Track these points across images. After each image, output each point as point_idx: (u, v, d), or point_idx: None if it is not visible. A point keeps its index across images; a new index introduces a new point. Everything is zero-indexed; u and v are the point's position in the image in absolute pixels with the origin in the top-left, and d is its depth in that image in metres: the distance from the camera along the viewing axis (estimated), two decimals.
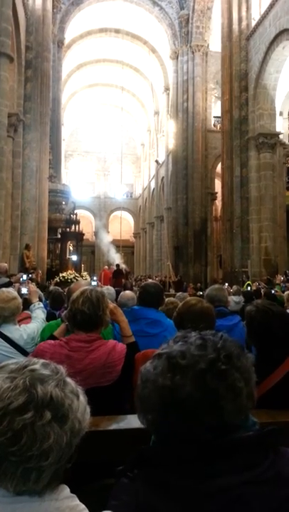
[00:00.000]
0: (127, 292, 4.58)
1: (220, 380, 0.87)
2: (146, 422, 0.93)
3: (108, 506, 0.88)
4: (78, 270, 17.00)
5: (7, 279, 6.31)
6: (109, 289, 5.10)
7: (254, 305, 2.21)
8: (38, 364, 0.89)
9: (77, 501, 0.88)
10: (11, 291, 3.20)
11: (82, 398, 0.91)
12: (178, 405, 0.85)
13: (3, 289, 3.24)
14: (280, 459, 0.87)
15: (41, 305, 3.70)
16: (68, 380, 0.91)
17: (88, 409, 0.92)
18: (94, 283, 3.96)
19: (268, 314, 2.09)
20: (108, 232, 29.66)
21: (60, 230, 18.11)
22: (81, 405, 0.89)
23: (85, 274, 17.05)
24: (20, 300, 3.12)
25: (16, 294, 3.15)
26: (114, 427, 1.80)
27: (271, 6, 14.47)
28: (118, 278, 17.11)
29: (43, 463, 0.80)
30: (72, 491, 0.89)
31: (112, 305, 2.47)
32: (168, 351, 0.92)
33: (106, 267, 21.58)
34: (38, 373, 0.86)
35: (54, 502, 0.84)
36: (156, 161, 27.24)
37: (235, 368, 0.89)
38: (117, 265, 19.85)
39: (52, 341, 2.24)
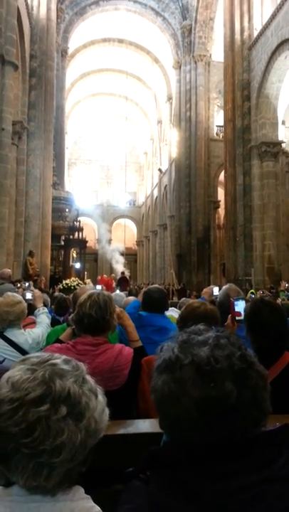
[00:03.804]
0: (130, 298, 4.58)
1: (256, 372, 0.86)
2: (173, 436, 0.87)
3: (121, 511, 0.85)
4: (81, 277, 17.01)
5: (11, 285, 6.29)
6: (118, 294, 5.10)
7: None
8: (59, 359, 0.90)
9: (92, 503, 0.87)
10: (16, 295, 3.20)
11: (101, 398, 0.90)
12: (227, 412, 0.80)
13: (8, 293, 3.24)
14: None
15: (46, 310, 3.69)
16: (88, 377, 0.90)
17: (107, 411, 0.90)
18: (98, 287, 3.95)
19: (258, 302, 2.28)
20: (111, 239, 29.69)
21: (63, 237, 18.16)
22: (99, 405, 0.88)
23: (88, 281, 17.06)
24: (25, 304, 3.12)
25: (21, 298, 3.14)
26: (122, 431, 1.77)
27: (273, 17, 14.59)
28: (122, 285, 17.18)
29: (55, 459, 0.79)
30: None
31: (118, 309, 2.45)
32: (190, 360, 0.84)
33: (112, 275, 21.69)
34: (58, 368, 0.86)
35: (69, 503, 0.83)
36: (159, 170, 27.28)
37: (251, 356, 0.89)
38: (122, 273, 19.97)
39: (59, 345, 2.23)
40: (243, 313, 2.56)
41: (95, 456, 0.90)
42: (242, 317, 2.55)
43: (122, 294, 5.48)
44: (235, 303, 2.66)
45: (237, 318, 2.58)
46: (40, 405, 0.80)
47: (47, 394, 0.81)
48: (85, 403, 0.85)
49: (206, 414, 0.80)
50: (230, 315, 2.63)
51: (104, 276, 21.13)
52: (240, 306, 2.61)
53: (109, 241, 28.35)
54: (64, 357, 0.91)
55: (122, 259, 24.83)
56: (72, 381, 0.85)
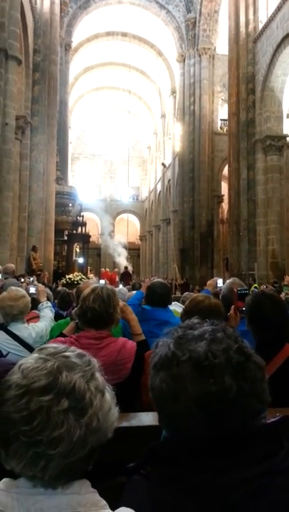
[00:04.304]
0: (133, 292, 4.59)
1: (254, 364, 0.85)
2: (175, 432, 0.86)
3: (123, 505, 0.85)
4: (84, 272, 17.04)
5: (15, 280, 6.31)
6: (122, 292, 5.11)
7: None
8: (72, 352, 0.90)
9: (99, 497, 0.87)
10: (20, 289, 3.21)
11: (108, 397, 0.89)
12: (228, 406, 0.80)
13: (12, 287, 3.25)
14: None
15: (49, 304, 3.71)
16: (97, 375, 0.90)
17: (114, 411, 0.90)
18: (102, 281, 3.96)
19: (259, 295, 2.29)
20: (114, 234, 29.73)
21: (66, 232, 18.16)
22: (105, 404, 0.87)
23: (91, 276, 17.09)
24: (28, 298, 3.13)
25: (24, 292, 3.16)
26: (125, 424, 1.77)
27: (278, 9, 14.45)
28: (126, 280, 17.23)
29: (51, 451, 0.79)
30: None
31: (121, 303, 2.46)
32: (188, 356, 0.83)
33: (116, 269, 21.70)
34: (69, 360, 0.87)
35: (76, 496, 0.83)
36: (163, 164, 27.22)
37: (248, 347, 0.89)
38: (125, 267, 20.03)
39: (62, 338, 2.24)
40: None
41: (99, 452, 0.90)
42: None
43: (125, 289, 5.49)
44: (239, 294, 2.68)
45: (240, 308, 2.59)
46: (43, 395, 0.81)
47: (52, 385, 0.82)
48: (89, 400, 0.84)
49: (206, 410, 0.80)
50: (233, 306, 2.64)
51: (107, 270, 21.16)
52: (243, 297, 2.63)
53: (111, 234, 28.37)
54: (79, 351, 0.92)
55: (125, 253, 24.84)
56: (79, 375, 0.85)
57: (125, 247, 25.47)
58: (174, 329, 0.92)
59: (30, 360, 0.87)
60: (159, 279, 4.00)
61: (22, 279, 6.13)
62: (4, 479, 0.86)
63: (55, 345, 0.93)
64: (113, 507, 0.86)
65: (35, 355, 0.88)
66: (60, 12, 18.94)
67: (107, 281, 5.95)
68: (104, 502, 0.86)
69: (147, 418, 1.88)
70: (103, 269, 21.34)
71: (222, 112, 23.18)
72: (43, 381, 0.82)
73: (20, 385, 0.82)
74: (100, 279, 11.68)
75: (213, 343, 0.84)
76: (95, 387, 0.86)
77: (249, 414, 0.82)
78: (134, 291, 4.58)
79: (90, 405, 0.84)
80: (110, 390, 0.91)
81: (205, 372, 0.81)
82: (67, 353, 0.89)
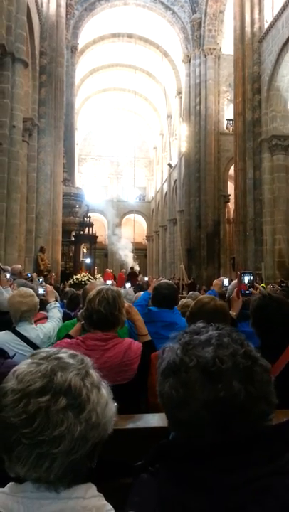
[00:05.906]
0: (141, 293, 4.59)
1: (261, 367, 0.86)
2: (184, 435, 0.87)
3: (129, 504, 0.85)
4: (92, 273, 17.10)
5: (23, 280, 6.35)
6: (128, 293, 5.12)
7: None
8: (65, 353, 0.91)
9: (104, 501, 0.87)
10: (30, 290, 3.25)
11: (105, 392, 0.90)
12: (237, 410, 0.81)
13: (23, 288, 3.30)
14: None
15: (57, 304, 3.74)
16: (92, 371, 0.91)
17: (111, 406, 0.91)
18: (109, 282, 3.99)
19: (266, 297, 2.25)
20: (121, 234, 29.78)
21: (73, 233, 18.23)
22: (102, 399, 0.88)
23: (98, 276, 17.16)
24: (37, 299, 3.16)
25: (33, 292, 3.19)
26: (131, 425, 1.78)
27: (284, 8, 14.39)
28: (132, 280, 17.29)
29: (54, 450, 0.80)
30: None
31: (126, 304, 2.46)
32: (196, 362, 0.84)
33: (123, 270, 21.73)
34: (62, 361, 0.88)
35: (81, 500, 0.84)
36: (169, 164, 27.18)
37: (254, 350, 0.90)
38: (131, 268, 20.07)
39: (68, 340, 2.26)
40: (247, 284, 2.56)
41: (104, 450, 0.90)
42: (248, 290, 2.55)
43: (132, 290, 5.52)
44: (243, 277, 2.67)
45: (243, 291, 2.59)
46: (40, 396, 0.82)
47: (48, 386, 0.83)
48: (86, 396, 0.85)
49: (216, 415, 0.81)
50: (236, 288, 2.64)
51: (110, 270, 21.18)
52: (247, 280, 2.62)
53: (118, 233, 28.43)
54: (71, 352, 0.93)
55: (130, 247, 24.87)
56: (74, 374, 0.86)
57: (132, 245, 25.50)
58: (180, 334, 0.93)
59: (23, 365, 0.88)
60: (165, 280, 4.02)
61: (31, 275, 6.16)
62: (10, 483, 0.86)
63: (46, 349, 0.94)
64: (117, 508, 0.87)
65: (28, 360, 0.89)
66: (66, 14, 19.01)
67: (114, 283, 6.00)
68: (109, 506, 0.87)
69: (154, 419, 1.87)
70: (108, 270, 21.35)
71: (228, 111, 23.10)
72: (38, 383, 0.83)
73: (16, 389, 0.83)
74: (106, 280, 11.68)
75: (220, 348, 0.85)
76: (90, 383, 0.87)
77: (257, 417, 0.84)
78: (142, 292, 4.59)
79: (87, 401, 0.85)
80: (106, 386, 0.92)
81: (213, 377, 0.82)
82: (59, 355, 0.90)
